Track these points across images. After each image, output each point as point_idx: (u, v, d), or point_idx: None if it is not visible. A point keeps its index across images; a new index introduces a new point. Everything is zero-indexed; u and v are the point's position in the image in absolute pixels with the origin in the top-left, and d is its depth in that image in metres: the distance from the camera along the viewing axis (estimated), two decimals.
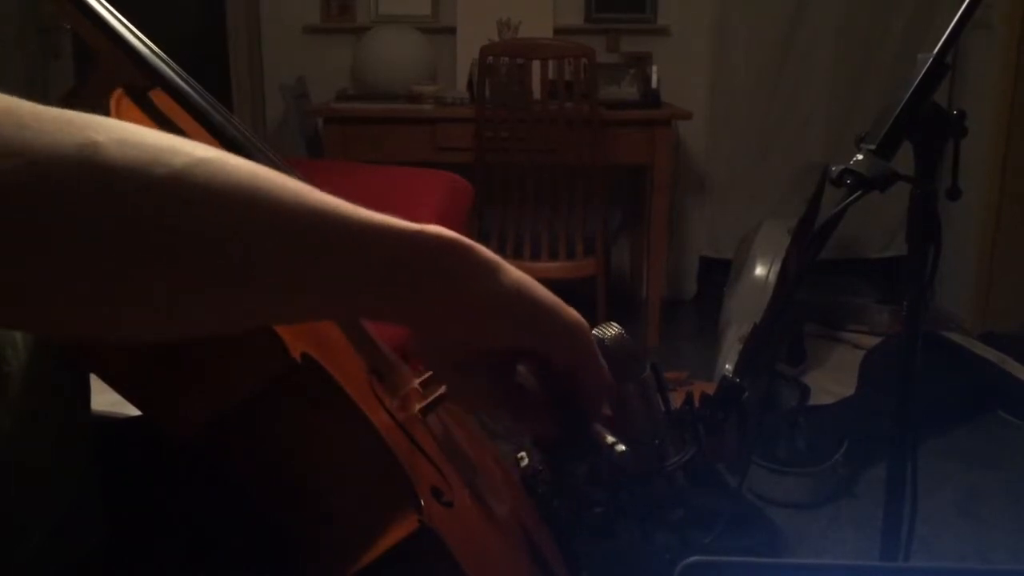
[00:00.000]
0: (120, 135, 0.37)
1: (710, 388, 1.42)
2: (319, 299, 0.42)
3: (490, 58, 3.01)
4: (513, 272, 0.47)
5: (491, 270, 0.46)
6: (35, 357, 0.60)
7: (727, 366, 2.60)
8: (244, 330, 0.44)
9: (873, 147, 0.98)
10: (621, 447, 0.51)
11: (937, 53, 0.99)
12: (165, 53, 0.75)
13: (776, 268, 2.80)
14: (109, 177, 0.36)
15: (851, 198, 0.97)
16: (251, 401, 0.59)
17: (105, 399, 0.68)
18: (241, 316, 0.42)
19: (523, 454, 0.99)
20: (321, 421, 0.61)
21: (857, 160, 0.98)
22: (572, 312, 0.48)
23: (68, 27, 2.34)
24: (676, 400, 1.17)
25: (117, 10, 0.72)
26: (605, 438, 0.51)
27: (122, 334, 0.40)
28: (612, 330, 1.04)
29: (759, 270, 2.85)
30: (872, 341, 3.09)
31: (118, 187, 0.36)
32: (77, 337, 0.47)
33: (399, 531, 0.59)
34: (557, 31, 3.67)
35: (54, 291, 0.36)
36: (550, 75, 3.04)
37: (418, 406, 0.73)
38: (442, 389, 0.73)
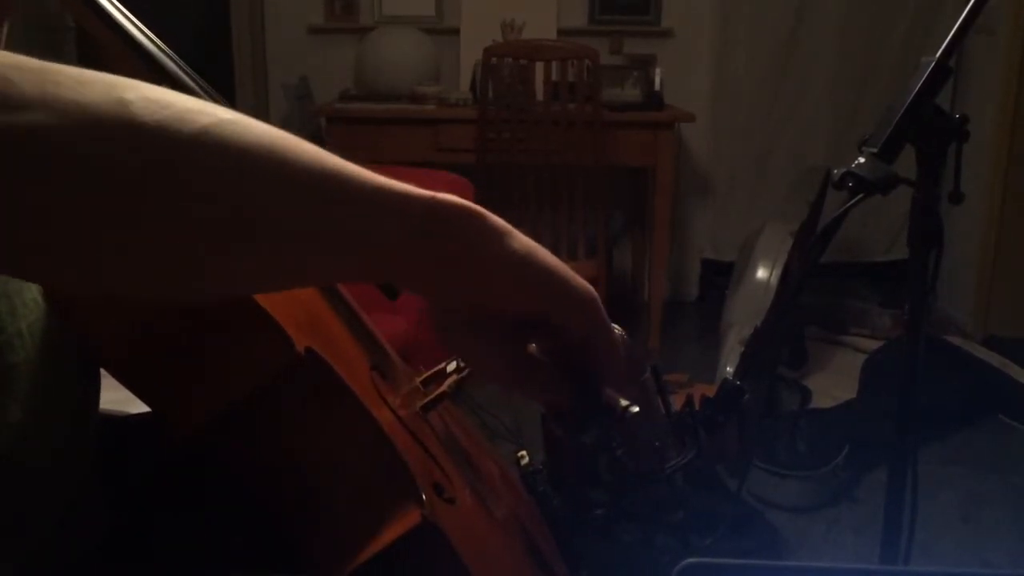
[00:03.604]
0: (148, 94, 0.38)
1: (711, 390, 1.42)
2: (332, 260, 0.42)
3: (493, 59, 3.01)
4: (523, 238, 0.46)
5: (502, 235, 0.45)
6: (43, 349, 0.59)
7: (728, 368, 2.60)
8: (254, 291, 0.47)
9: (875, 150, 0.98)
10: (635, 408, 0.51)
11: (940, 57, 0.99)
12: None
13: (778, 271, 2.80)
14: (138, 133, 0.36)
15: (853, 201, 0.98)
16: (254, 396, 0.59)
17: (106, 398, 0.68)
18: (254, 275, 0.42)
19: (523, 453, 0.99)
20: (324, 416, 0.61)
21: (859, 163, 0.98)
22: (581, 280, 0.48)
23: (72, 25, 2.34)
24: (677, 402, 1.17)
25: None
26: (618, 401, 0.51)
27: (130, 288, 0.42)
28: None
29: (761, 273, 2.85)
30: (873, 344, 3.09)
31: (146, 143, 0.36)
32: (91, 290, 0.47)
33: (401, 526, 0.59)
34: (561, 32, 3.67)
35: (76, 243, 0.36)
36: (553, 76, 3.04)
37: (419, 403, 0.73)
38: (443, 387, 0.73)
